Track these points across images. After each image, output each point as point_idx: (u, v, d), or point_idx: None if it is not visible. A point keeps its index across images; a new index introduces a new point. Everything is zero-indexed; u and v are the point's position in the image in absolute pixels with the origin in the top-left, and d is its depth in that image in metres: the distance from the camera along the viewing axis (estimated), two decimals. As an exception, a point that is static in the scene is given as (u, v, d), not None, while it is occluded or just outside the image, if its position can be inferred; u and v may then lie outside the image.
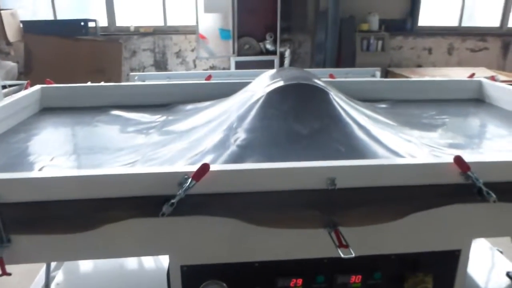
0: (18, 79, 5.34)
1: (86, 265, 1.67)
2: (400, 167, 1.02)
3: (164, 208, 0.93)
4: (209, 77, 2.17)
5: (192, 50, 6.27)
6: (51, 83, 2.08)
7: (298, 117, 1.26)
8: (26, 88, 2.03)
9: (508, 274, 1.69)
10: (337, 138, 1.21)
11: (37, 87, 2.00)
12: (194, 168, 0.95)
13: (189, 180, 0.94)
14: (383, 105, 1.93)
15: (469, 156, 1.02)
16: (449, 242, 1.12)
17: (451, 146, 1.39)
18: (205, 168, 0.95)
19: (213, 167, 0.96)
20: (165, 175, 0.96)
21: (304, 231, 1.01)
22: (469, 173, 1.00)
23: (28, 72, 5.31)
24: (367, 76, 3.41)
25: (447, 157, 1.02)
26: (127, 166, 1.22)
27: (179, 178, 0.95)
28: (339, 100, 1.37)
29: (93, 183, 0.96)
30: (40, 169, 1.22)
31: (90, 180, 0.96)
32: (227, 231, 1.01)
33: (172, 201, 0.92)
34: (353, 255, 0.92)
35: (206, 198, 0.97)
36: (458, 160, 1.00)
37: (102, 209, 0.96)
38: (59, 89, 2.03)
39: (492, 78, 2.24)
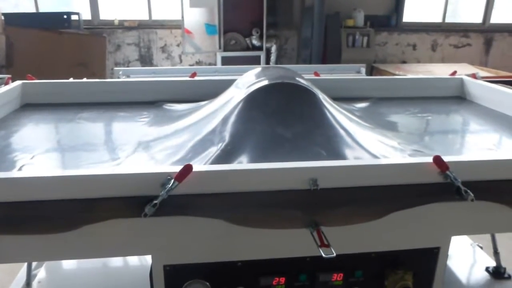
0: (-1, 73, 5.23)
1: (68, 263, 1.66)
2: (381, 167, 1.04)
3: (146, 209, 0.93)
4: (193, 75, 2.16)
5: (178, 45, 6.22)
6: (32, 79, 2.04)
7: (282, 119, 1.27)
8: (6, 83, 1.99)
9: (487, 269, 1.74)
10: (320, 142, 1.22)
11: (18, 82, 1.96)
12: (177, 168, 0.95)
13: (172, 180, 0.94)
14: (367, 104, 1.94)
15: (447, 157, 1.04)
16: (428, 240, 1.14)
17: (428, 146, 1.42)
18: (188, 168, 0.95)
19: (196, 168, 0.96)
20: (147, 176, 0.96)
21: (287, 231, 1.02)
22: (447, 172, 1.03)
23: (10, 66, 5.20)
24: (353, 72, 3.44)
25: (427, 157, 1.04)
26: (110, 165, 1.21)
27: (162, 178, 0.95)
28: (324, 102, 1.38)
29: (74, 183, 0.96)
30: (20, 168, 1.20)
31: (72, 180, 0.96)
32: (210, 231, 1.02)
33: (155, 201, 0.92)
34: (334, 254, 0.93)
35: (189, 198, 0.97)
36: (437, 160, 1.02)
37: (84, 210, 0.96)
38: (40, 85, 2.00)
39: (473, 76, 2.27)
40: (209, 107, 1.56)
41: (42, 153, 1.33)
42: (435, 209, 1.07)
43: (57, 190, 0.95)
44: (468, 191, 1.01)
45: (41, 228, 0.96)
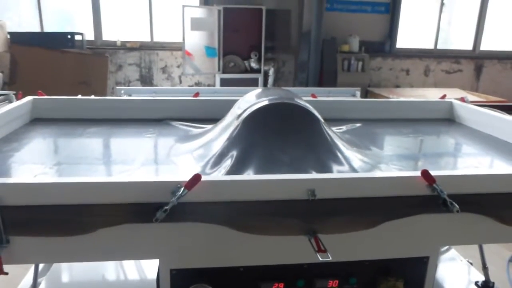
0: (2, 89, 5.31)
1: (74, 269, 1.71)
2: (373, 180, 1.13)
3: (157, 214, 1.00)
4: (196, 94, 2.26)
5: (178, 66, 6.36)
6: (42, 95, 2.13)
7: (281, 139, 1.35)
8: (18, 98, 2.08)
9: (476, 284, 1.81)
10: (315, 165, 1.31)
11: (29, 98, 2.04)
12: (187, 177, 1.03)
13: (182, 188, 1.02)
14: (360, 125, 2.05)
15: (434, 171, 1.13)
16: (418, 249, 1.22)
17: (418, 165, 1.51)
18: (197, 178, 1.03)
19: (204, 178, 1.04)
20: (159, 184, 1.04)
21: (286, 238, 1.10)
22: (434, 185, 1.11)
23: (13, 83, 5.29)
24: (348, 96, 3.55)
25: (415, 171, 1.13)
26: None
27: (172, 187, 1.03)
28: (323, 126, 1.48)
29: (92, 190, 1.02)
30: (35, 176, 1.27)
31: (89, 187, 1.03)
32: (215, 237, 1.09)
33: (166, 207, 1.00)
34: (330, 258, 1.01)
35: (197, 206, 1.05)
36: (425, 173, 1.11)
37: (100, 214, 1.03)
38: (50, 101, 2.08)
39: (462, 99, 2.39)
40: (213, 131, 1.64)
41: (54, 164, 1.40)
42: (423, 220, 1.15)
43: (73, 196, 1.02)
44: (454, 203, 1.10)
45: (57, 230, 1.02)
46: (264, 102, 1.48)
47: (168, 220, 1.02)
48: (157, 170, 1.38)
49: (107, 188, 1.03)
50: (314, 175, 1.11)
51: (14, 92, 2.74)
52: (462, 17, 7.50)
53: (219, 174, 1.26)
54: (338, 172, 1.29)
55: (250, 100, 1.57)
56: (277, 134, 1.39)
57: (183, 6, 5.57)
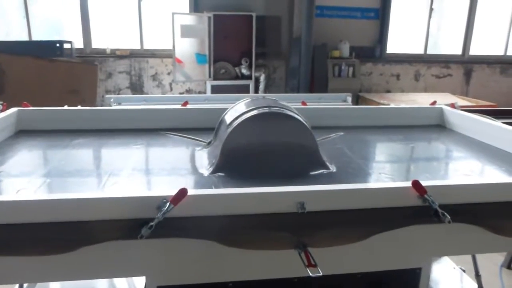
0: (-12, 99, 5.23)
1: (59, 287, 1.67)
2: (364, 191, 1.11)
3: (142, 231, 0.97)
4: (185, 103, 2.23)
5: (169, 73, 6.34)
6: (27, 106, 2.09)
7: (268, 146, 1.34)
8: (2, 110, 2.03)
9: (469, 292, 1.80)
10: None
11: (14, 109, 2.00)
12: (173, 192, 1.00)
13: (168, 204, 0.99)
14: (353, 132, 2.03)
15: (425, 181, 1.12)
16: (410, 260, 1.20)
17: (409, 173, 1.50)
18: (182, 192, 1.00)
19: (190, 192, 1.01)
20: (144, 199, 1.01)
21: (276, 252, 1.07)
22: (426, 196, 1.10)
23: (1, 93, 5.22)
24: (339, 101, 3.55)
25: (406, 182, 1.12)
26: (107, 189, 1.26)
27: (158, 202, 1.00)
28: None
29: (72, 206, 0.99)
30: (17, 192, 1.23)
31: (70, 203, 1.00)
32: (202, 253, 1.07)
33: (151, 224, 0.97)
34: (321, 273, 0.98)
35: (183, 221, 1.02)
36: (416, 184, 1.10)
37: (82, 232, 0.99)
38: (35, 112, 2.04)
39: (452, 106, 2.39)
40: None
41: (39, 177, 1.36)
42: (415, 231, 1.14)
43: (55, 213, 0.98)
44: (445, 213, 1.08)
45: (40, 249, 0.99)
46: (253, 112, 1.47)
47: (154, 236, 0.99)
48: (147, 182, 1.35)
49: (90, 205, 1.00)
50: (303, 187, 1.09)
51: (1, 102, 2.69)
52: (451, 22, 7.58)
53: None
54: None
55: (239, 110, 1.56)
56: (265, 143, 1.38)
57: (173, 14, 5.55)
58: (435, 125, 2.26)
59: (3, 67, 5.24)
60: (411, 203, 1.11)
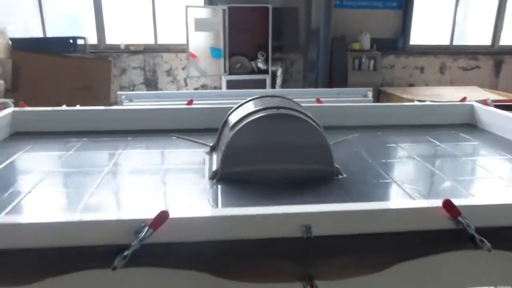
0: (4, 96, 5.24)
1: None
2: (383, 212, 0.92)
3: (116, 261, 0.82)
4: (190, 102, 2.08)
5: (183, 69, 6.21)
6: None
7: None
8: (20, 107, 1.96)
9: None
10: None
11: (8, 110, 1.92)
12: (153, 215, 0.85)
13: (146, 228, 0.83)
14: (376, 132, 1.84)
15: (459, 200, 0.92)
16: (440, 293, 1.01)
17: (441, 188, 1.30)
18: (164, 216, 0.84)
19: (172, 214, 0.85)
20: (120, 223, 0.86)
21: (277, 286, 0.90)
22: (459, 218, 0.91)
23: (15, 90, 5.22)
24: (359, 96, 3.35)
25: (435, 200, 0.92)
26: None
27: (136, 226, 0.85)
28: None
29: (39, 231, 0.86)
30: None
31: (36, 228, 0.86)
32: (189, 286, 0.90)
33: (125, 253, 0.82)
34: (329, 316, 0.81)
35: (165, 248, 0.86)
36: (447, 204, 0.90)
37: (49, 260, 0.86)
38: (31, 113, 1.95)
39: (484, 102, 2.17)
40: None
41: (27, 188, 1.25)
42: (445, 260, 0.95)
43: (19, 238, 0.85)
44: (484, 240, 0.89)
45: (1, 280, 0.86)
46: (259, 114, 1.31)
47: (130, 265, 0.84)
48: (140, 190, 1.21)
49: (56, 229, 0.86)
50: (309, 207, 0.91)
51: (13, 100, 2.63)
52: (479, 11, 7.17)
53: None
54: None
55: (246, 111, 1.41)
56: (270, 148, 1.25)
57: (186, 7, 5.41)
58: (465, 124, 2.04)
59: (18, 64, 5.24)
60: (442, 226, 0.92)
